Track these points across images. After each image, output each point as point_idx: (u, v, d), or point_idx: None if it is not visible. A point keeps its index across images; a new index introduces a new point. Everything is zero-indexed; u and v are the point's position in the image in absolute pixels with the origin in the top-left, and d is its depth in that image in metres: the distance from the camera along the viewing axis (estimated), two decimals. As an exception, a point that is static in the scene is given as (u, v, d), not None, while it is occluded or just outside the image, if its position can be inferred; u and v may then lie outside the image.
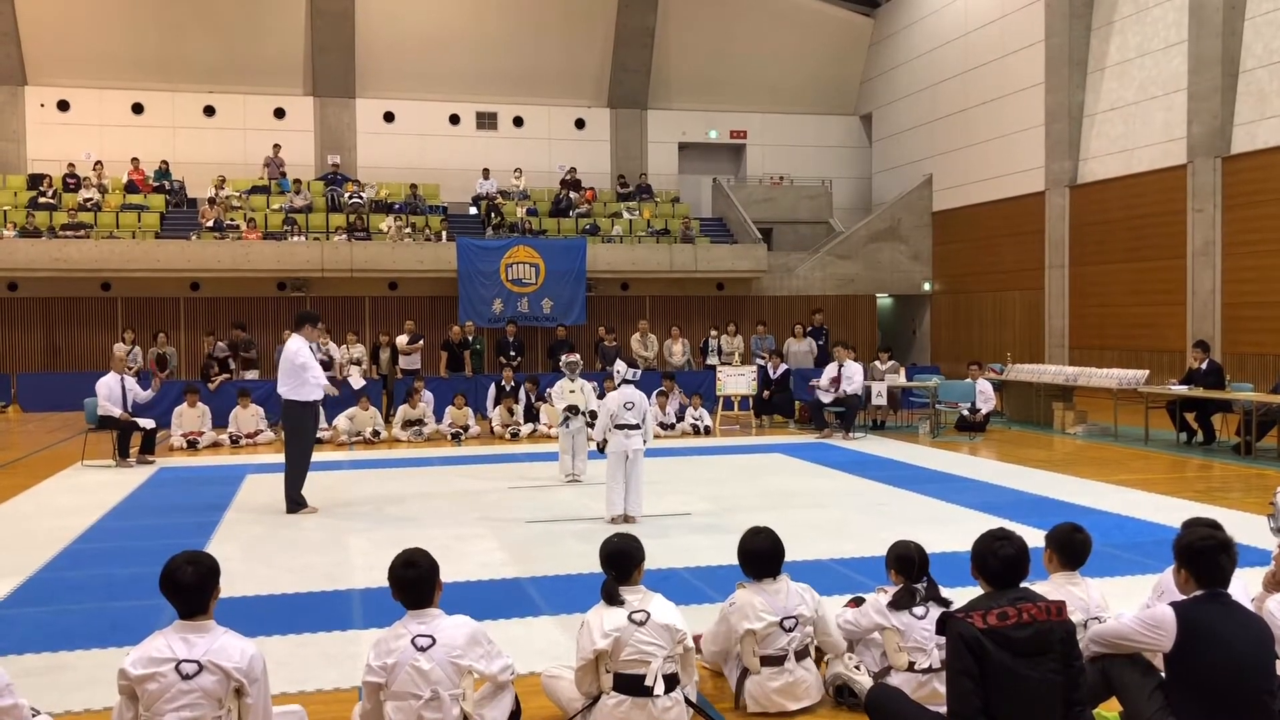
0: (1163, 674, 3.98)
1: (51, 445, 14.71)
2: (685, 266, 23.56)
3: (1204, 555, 3.91)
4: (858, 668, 4.71)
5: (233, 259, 21.33)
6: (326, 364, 17.41)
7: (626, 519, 8.95)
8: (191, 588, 3.82)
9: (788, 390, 17.07)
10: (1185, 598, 3.96)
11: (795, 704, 4.67)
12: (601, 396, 14.60)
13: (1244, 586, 4.30)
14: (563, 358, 12.10)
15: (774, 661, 4.66)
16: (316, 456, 13.55)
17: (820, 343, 19.12)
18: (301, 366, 9.58)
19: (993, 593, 3.90)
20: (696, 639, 4.87)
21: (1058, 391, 16.21)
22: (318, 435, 14.74)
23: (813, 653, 4.84)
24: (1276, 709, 3.79)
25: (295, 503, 9.65)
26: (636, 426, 9.00)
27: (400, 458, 13.56)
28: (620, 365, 9.92)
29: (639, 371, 9.92)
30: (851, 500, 10.13)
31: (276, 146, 24.99)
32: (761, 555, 4.79)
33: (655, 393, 15.98)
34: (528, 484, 11.27)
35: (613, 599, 4.42)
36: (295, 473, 9.71)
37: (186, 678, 3.70)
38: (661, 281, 23.93)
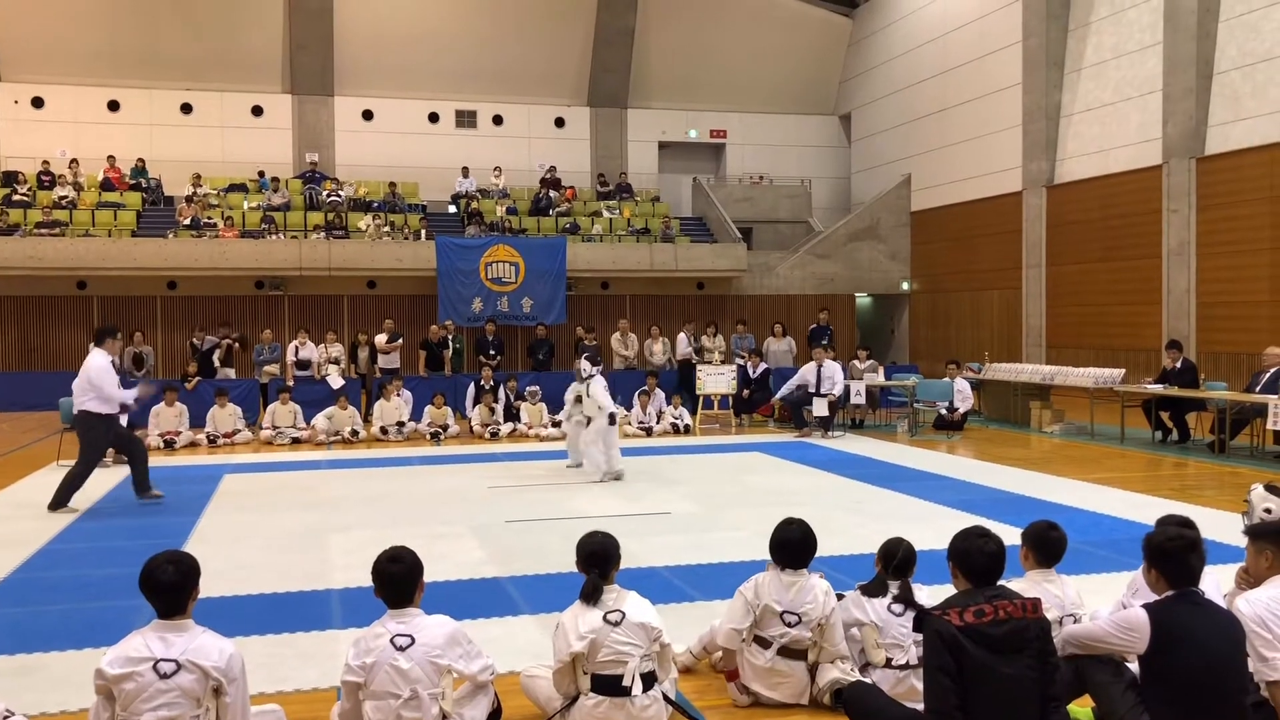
0: (1134, 671, 4.01)
1: (26, 445, 14.58)
2: (665, 266, 23.58)
3: (1172, 555, 3.94)
4: (852, 670, 4.71)
5: (210, 257, 21.19)
6: (303, 364, 17.43)
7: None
8: (172, 587, 3.81)
9: (767, 389, 17.12)
10: (1157, 599, 3.99)
11: (766, 691, 4.71)
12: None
13: (1216, 584, 4.34)
14: (580, 364, 12.09)
15: (762, 643, 4.70)
16: (295, 455, 13.61)
17: (824, 342, 17.83)
18: (98, 387, 9.84)
19: (970, 590, 3.93)
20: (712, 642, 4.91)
21: (1035, 390, 16.31)
22: (296, 435, 14.89)
23: (809, 658, 4.73)
24: (1248, 704, 3.83)
25: (61, 502, 9.79)
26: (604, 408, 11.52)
27: (379, 457, 13.52)
28: (583, 364, 11.89)
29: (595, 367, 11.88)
30: (830, 498, 10.16)
31: (276, 179, 24.65)
32: (787, 545, 4.78)
33: (638, 392, 16.03)
34: (507, 483, 11.26)
35: (594, 598, 4.41)
36: (81, 475, 9.90)
37: (164, 677, 3.69)
38: (642, 281, 23.94)
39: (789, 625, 4.68)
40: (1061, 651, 4.12)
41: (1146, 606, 3.92)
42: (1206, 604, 3.91)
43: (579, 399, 11.98)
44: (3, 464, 12.86)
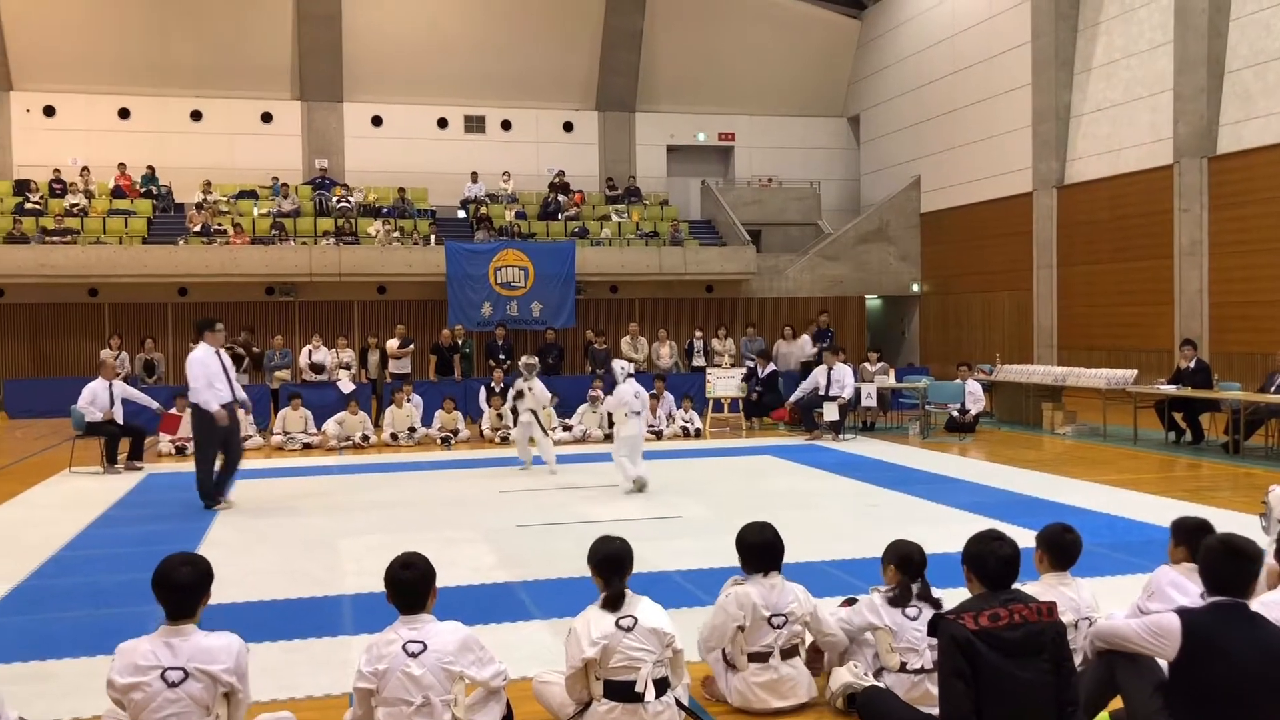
0: (1165, 673, 3.93)
1: (39, 452, 14.63)
2: (674, 269, 23.57)
3: (1222, 563, 3.79)
4: (865, 675, 4.68)
5: (220, 264, 21.26)
6: (317, 368, 17.45)
7: (642, 482, 10.67)
8: (186, 588, 3.82)
9: (777, 391, 17.08)
10: (1196, 605, 3.90)
11: (780, 701, 4.67)
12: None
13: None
14: (523, 359, 13.17)
15: (759, 658, 4.67)
16: (306, 461, 13.61)
17: (825, 345, 17.74)
18: (191, 378, 10.14)
19: (984, 594, 3.90)
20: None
21: (1047, 392, 16.25)
22: (308, 441, 14.91)
23: (802, 653, 4.83)
24: None
25: (209, 499, 10.19)
26: (640, 413, 10.91)
27: (390, 462, 13.52)
28: (621, 363, 11.53)
29: (632, 366, 11.58)
30: (842, 501, 10.14)
31: (285, 185, 24.65)
32: (759, 549, 4.79)
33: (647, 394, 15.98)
34: (518, 487, 11.25)
35: (618, 605, 4.38)
36: (204, 468, 10.24)
37: (172, 685, 3.68)
38: (651, 284, 23.93)
39: (777, 628, 4.68)
40: (1089, 647, 4.08)
41: (1181, 613, 3.80)
42: (1251, 617, 3.73)
43: (520, 394, 12.49)
44: (15, 470, 12.90)
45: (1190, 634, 3.71)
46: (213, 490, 10.23)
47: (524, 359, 13.04)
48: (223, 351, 10.45)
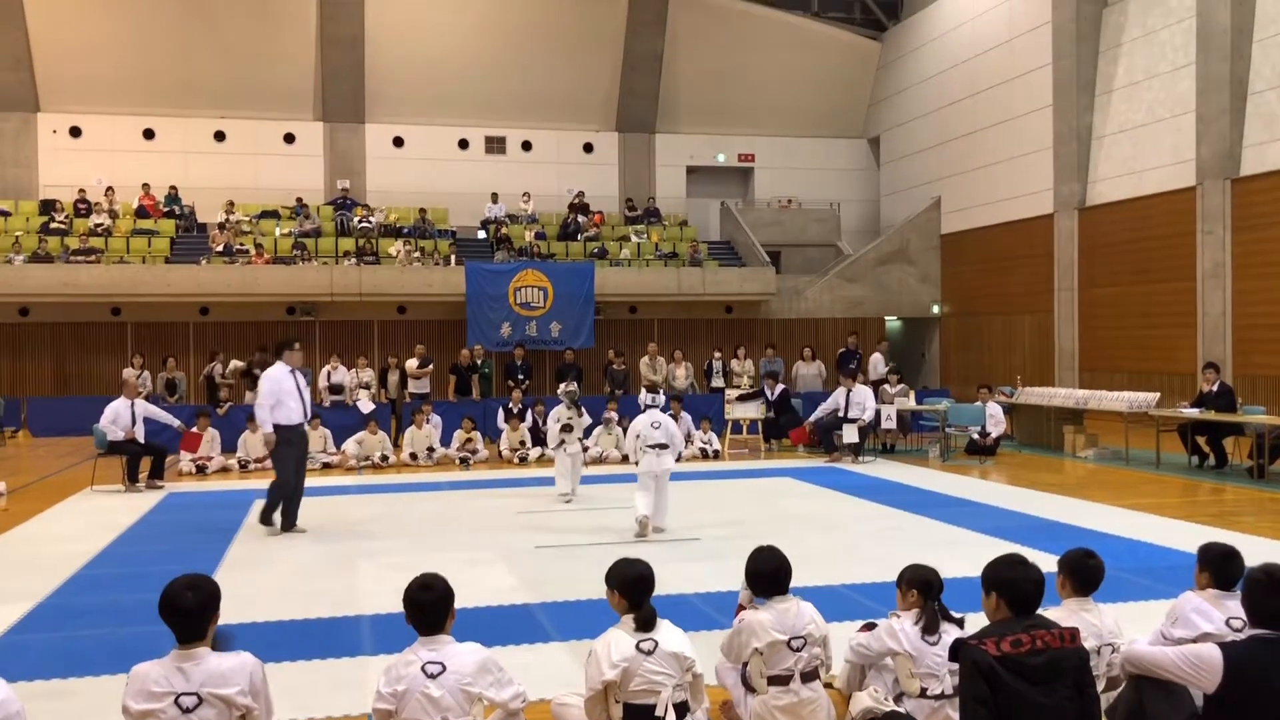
0: (1197, 704, 3.87)
1: (61, 470, 14.72)
2: (693, 290, 23.58)
3: (1266, 595, 3.72)
4: (886, 700, 4.65)
5: (242, 283, 21.41)
6: (336, 389, 17.53)
7: (655, 529, 9.60)
8: (191, 612, 3.80)
9: (793, 412, 17.03)
10: (1239, 637, 3.83)
11: None
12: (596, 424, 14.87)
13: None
14: (561, 387, 12.74)
15: (779, 681, 4.63)
16: (325, 481, 13.64)
17: (853, 365, 17.78)
18: (260, 394, 10.01)
19: (1006, 619, 3.87)
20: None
21: (1068, 414, 16.15)
22: (327, 460, 14.95)
23: (823, 675, 4.80)
24: None
25: (268, 520, 10.04)
26: (665, 446, 9.70)
27: (408, 482, 13.54)
28: (644, 394, 10.72)
29: (659, 396, 10.65)
30: (862, 525, 10.08)
31: (306, 205, 25.02)
32: (767, 574, 4.76)
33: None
34: (536, 508, 11.24)
35: (650, 626, 4.36)
36: (276, 490, 10.06)
37: (186, 711, 3.68)
38: (670, 305, 23.94)
39: (797, 650, 4.65)
40: (1121, 671, 4.03)
41: (1223, 645, 3.76)
42: None
43: (567, 427, 11.74)
44: (38, 489, 12.98)
45: (1232, 667, 3.65)
46: (271, 516, 10.02)
47: (564, 388, 12.44)
48: (298, 372, 10.20)
